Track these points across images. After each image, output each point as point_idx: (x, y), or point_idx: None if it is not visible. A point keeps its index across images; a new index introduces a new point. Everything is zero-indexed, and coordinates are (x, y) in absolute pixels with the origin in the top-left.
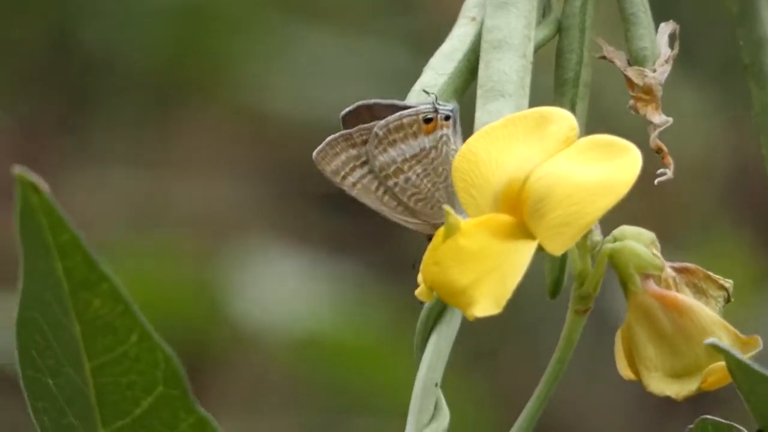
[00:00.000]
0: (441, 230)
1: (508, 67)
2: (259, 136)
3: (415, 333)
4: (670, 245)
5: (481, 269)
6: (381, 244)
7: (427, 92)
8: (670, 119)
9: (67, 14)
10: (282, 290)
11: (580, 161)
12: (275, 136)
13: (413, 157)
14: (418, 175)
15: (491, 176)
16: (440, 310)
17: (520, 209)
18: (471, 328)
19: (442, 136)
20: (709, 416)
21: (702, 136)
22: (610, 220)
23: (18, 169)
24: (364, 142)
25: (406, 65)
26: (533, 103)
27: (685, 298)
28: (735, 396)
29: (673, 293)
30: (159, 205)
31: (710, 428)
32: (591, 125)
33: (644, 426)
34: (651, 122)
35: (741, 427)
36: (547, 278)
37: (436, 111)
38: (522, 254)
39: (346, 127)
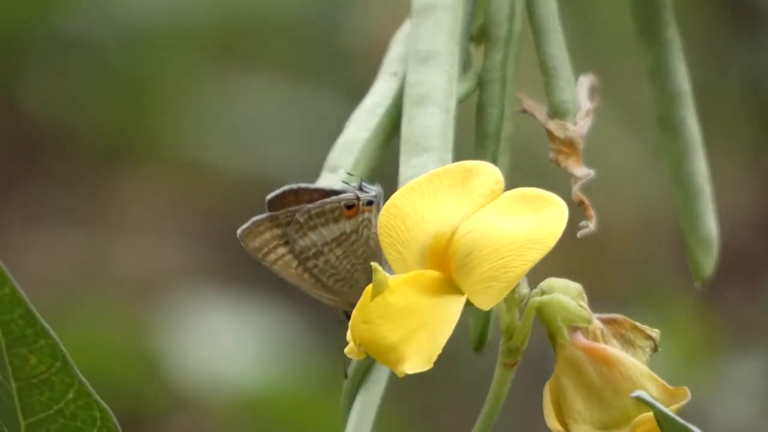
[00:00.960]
0: (369, 288)
1: (432, 121)
2: (199, 192)
3: (342, 392)
4: (614, 304)
5: (410, 326)
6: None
7: (351, 174)
8: (592, 171)
9: (9, 72)
10: (220, 347)
11: (506, 214)
12: (215, 191)
13: (333, 240)
14: (337, 257)
15: (417, 232)
16: (367, 366)
17: (447, 264)
18: (408, 386)
19: (363, 221)
20: None
21: (644, 190)
22: (548, 274)
23: None
24: (288, 224)
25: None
26: (456, 157)
27: (613, 350)
28: None
29: (601, 345)
30: (98, 264)
31: None
32: (518, 179)
33: None
34: (573, 175)
35: None
36: (472, 332)
37: (358, 198)
38: (451, 310)
39: (271, 209)
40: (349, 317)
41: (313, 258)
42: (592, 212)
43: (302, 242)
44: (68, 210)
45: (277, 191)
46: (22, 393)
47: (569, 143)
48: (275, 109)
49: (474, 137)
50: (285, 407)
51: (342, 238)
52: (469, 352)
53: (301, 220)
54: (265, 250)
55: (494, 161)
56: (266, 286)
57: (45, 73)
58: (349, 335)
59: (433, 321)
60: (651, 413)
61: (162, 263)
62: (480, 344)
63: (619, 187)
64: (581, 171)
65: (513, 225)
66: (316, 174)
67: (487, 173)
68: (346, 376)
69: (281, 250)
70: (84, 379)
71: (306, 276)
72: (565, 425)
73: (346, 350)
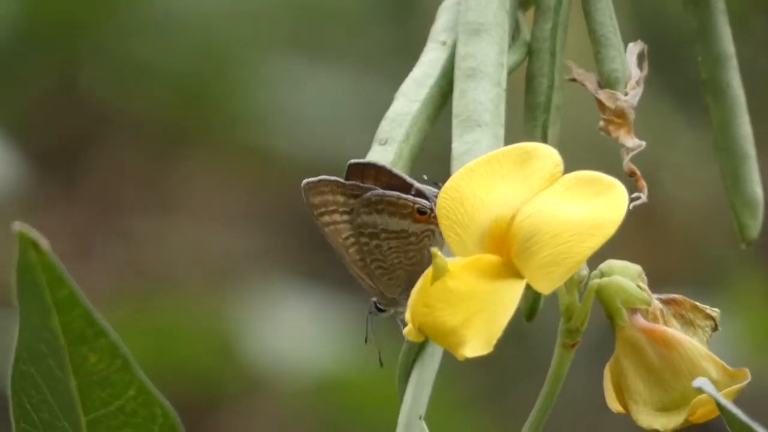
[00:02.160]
0: (429, 271)
1: (483, 96)
2: (266, 179)
3: (398, 365)
4: (678, 284)
5: (470, 310)
6: None
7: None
8: (643, 143)
9: (74, 59)
10: (293, 332)
11: (567, 199)
12: (282, 178)
13: (393, 232)
14: (389, 248)
15: (476, 214)
16: (422, 342)
17: (507, 248)
18: (469, 365)
19: (426, 230)
20: None
21: (709, 172)
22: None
23: (18, 226)
24: (354, 197)
25: None
26: (508, 131)
27: (673, 331)
28: (723, 427)
29: (660, 327)
30: (170, 251)
31: None
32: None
33: None
34: (623, 146)
35: None
36: (523, 304)
37: (431, 210)
38: (511, 293)
39: (348, 173)
40: (377, 307)
41: (367, 236)
42: (643, 183)
43: (365, 218)
44: (138, 198)
45: (362, 160)
46: (83, 390)
47: (620, 113)
48: (342, 96)
49: (524, 107)
50: (357, 390)
51: (402, 235)
52: (531, 331)
53: (373, 199)
54: (323, 209)
55: (544, 131)
56: (336, 272)
57: (109, 59)
58: (407, 317)
59: (493, 305)
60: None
61: (233, 249)
62: (531, 315)
63: (684, 168)
64: (632, 142)
65: (574, 210)
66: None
67: (547, 156)
68: (381, 365)
69: (337, 217)
70: (145, 377)
71: (352, 250)
72: (625, 406)
73: (405, 332)
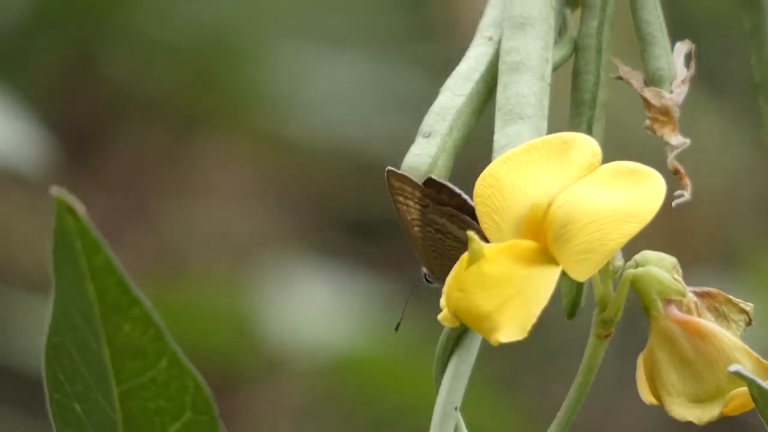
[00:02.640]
0: (465, 256)
1: (527, 89)
2: (282, 162)
3: (435, 357)
4: (698, 273)
5: (505, 295)
6: (406, 264)
7: None
8: (688, 140)
9: (91, 40)
10: (310, 313)
11: (604, 187)
12: (298, 161)
13: (458, 239)
14: (451, 247)
15: (514, 201)
16: (460, 333)
17: (543, 235)
18: (494, 350)
19: None
20: None
21: (729, 160)
22: (636, 245)
23: (55, 191)
24: (430, 197)
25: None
26: (550, 124)
27: (707, 323)
28: (757, 420)
29: (695, 318)
30: (189, 231)
31: None
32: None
33: None
34: (668, 143)
35: None
36: (564, 300)
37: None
38: (546, 280)
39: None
40: (428, 280)
41: (433, 230)
42: (687, 181)
43: (437, 218)
44: (158, 179)
45: (440, 180)
46: (116, 360)
47: (665, 111)
48: (357, 80)
49: (569, 104)
50: (376, 370)
51: (459, 240)
52: (554, 317)
53: (448, 212)
54: (400, 193)
55: (589, 128)
56: (354, 251)
57: (129, 42)
58: (443, 302)
59: (528, 290)
60: (745, 388)
61: (251, 230)
62: (572, 312)
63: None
64: (677, 140)
65: (610, 198)
66: (398, 144)
67: (585, 145)
68: (397, 329)
69: (411, 203)
70: (178, 349)
71: (416, 229)
72: (658, 397)
73: (439, 317)
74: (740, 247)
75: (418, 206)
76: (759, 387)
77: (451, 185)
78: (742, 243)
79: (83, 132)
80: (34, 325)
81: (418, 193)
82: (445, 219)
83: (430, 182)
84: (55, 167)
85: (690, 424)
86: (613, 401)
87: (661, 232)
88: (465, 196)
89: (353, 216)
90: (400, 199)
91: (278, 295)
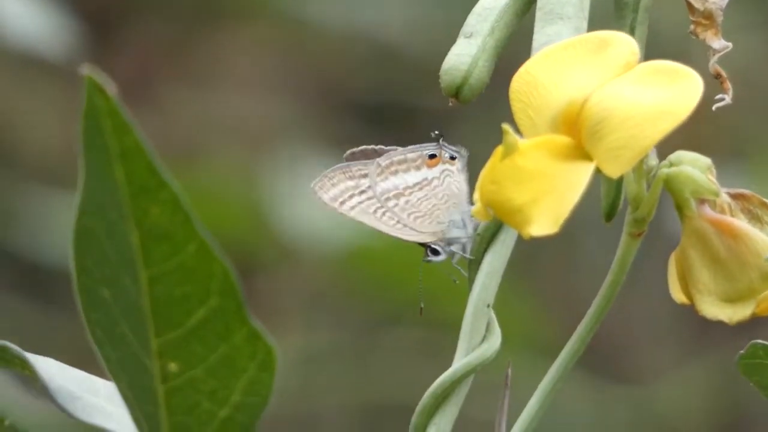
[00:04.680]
0: (499, 149)
1: None
2: (298, 48)
3: (469, 253)
4: (723, 168)
5: (538, 189)
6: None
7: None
8: (730, 44)
9: None
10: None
11: (641, 85)
12: (313, 47)
13: (416, 185)
14: (419, 199)
15: (550, 98)
16: (494, 230)
17: (578, 131)
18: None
19: (445, 170)
20: (759, 341)
21: (746, 54)
22: (663, 147)
23: (86, 69)
24: (363, 176)
25: None
26: (593, 27)
27: (741, 223)
28: None
29: (728, 218)
30: (207, 120)
31: (761, 353)
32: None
33: (688, 342)
34: (710, 47)
35: None
36: (604, 201)
37: (440, 149)
38: (579, 175)
39: (349, 160)
40: (432, 250)
41: (393, 198)
42: (728, 85)
43: (384, 185)
44: (171, 69)
45: (358, 148)
46: (144, 244)
47: (708, 15)
48: None
49: (613, 6)
50: (385, 258)
51: (423, 183)
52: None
53: (383, 164)
54: (341, 199)
55: (632, 31)
56: (370, 140)
57: None
58: (475, 196)
59: (562, 185)
60: None
61: (265, 120)
62: (611, 213)
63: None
64: (719, 44)
65: (646, 95)
66: (416, 31)
67: (623, 44)
68: (421, 313)
69: (356, 199)
70: (207, 233)
71: (385, 218)
72: (689, 297)
73: (473, 211)
74: (754, 141)
75: (363, 196)
76: None
77: (369, 146)
78: (756, 137)
79: (99, 21)
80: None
81: (350, 183)
82: (391, 177)
83: (350, 155)
84: (72, 55)
85: (706, 326)
86: (631, 297)
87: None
88: (380, 146)
89: (370, 103)
90: (346, 206)
91: (292, 184)
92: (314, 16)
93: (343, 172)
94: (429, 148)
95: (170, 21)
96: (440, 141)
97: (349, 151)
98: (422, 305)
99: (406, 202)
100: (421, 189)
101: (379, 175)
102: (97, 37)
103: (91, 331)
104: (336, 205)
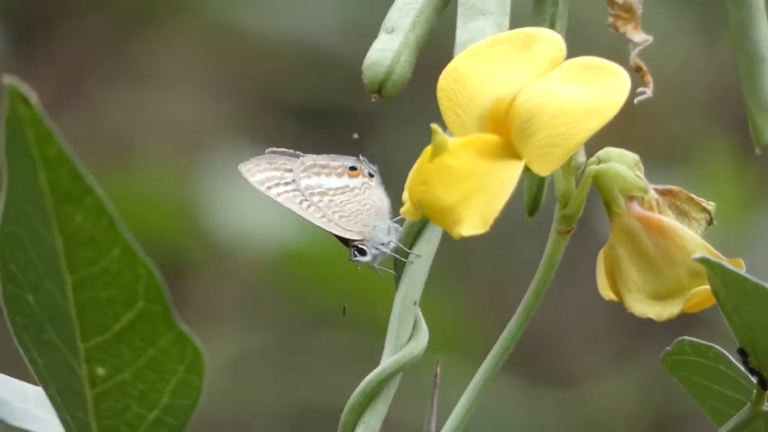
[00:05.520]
0: (428, 149)
1: None
2: (231, 51)
3: (395, 251)
4: (654, 168)
5: (468, 188)
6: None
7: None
8: (650, 38)
9: None
10: (255, 202)
11: (568, 82)
12: (247, 50)
13: (337, 189)
14: (342, 201)
15: (477, 96)
16: (420, 228)
17: (507, 129)
18: (444, 237)
19: (364, 183)
20: (687, 337)
21: (680, 55)
22: (591, 143)
23: (8, 79)
24: (287, 170)
25: None
26: (513, 21)
27: (669, 220)
28: (713, 316)
29: (656, 215)
30: (137, 120)
31: (688, 349)
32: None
33: (620, 344)
34: (631, 41)
35: (720, 348)
36: (526, 195)
37: (360, 162)
38: (509, 174)
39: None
40: (358, 248)
41: (318, 195)
42: (649, 78)
43: (307, 181)
44: (105, 68)
45: (280, 149)
46: (68, 250)
47: (628, 8)
48: None
49: (532, 0)
50: (319, 260)
51: (345, 189)
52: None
53: (307, 163)
54: (268, 184)
55: (552, 25)
56: (301, 141)
57: None
58: (405, 196)
59: (491, 184)
60: (706, 285)
61: (198, 119)
62: (533, 209)
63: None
64: (640, 37)
65: (574, 93)
66: (348, 34)
67: (549, 41)
68: (344, 313)
69: (282, 188)
70: (130, 237)
71: (311, 210)
72: (618, 294)
73: (402, 211)
74: (687, 141)
75: (290, 187)
76: (723, 270)
77: (289, 150)
78: (688, 137)
79: (29, 21)
80: None
81: (277, 173)
82: (314, 177)
83: (272, 152)
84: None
85: (641, 321)
86: (562, 298)
87: (607, 127)
88: (302, 154)
89: (301, 105)
90: (273, 191)
91: (223, 185)
92: (247, 20)
93: (269, 162)
94: (350, 161)
95: (104, 21)
96: (360, 157)
97: (269, 149)
98: (346, 305)
99: (330, 201)
100: (343, 193)
101: (302, 171)
102: (30, 36)
103: (18, 337)
104: (263, 188)
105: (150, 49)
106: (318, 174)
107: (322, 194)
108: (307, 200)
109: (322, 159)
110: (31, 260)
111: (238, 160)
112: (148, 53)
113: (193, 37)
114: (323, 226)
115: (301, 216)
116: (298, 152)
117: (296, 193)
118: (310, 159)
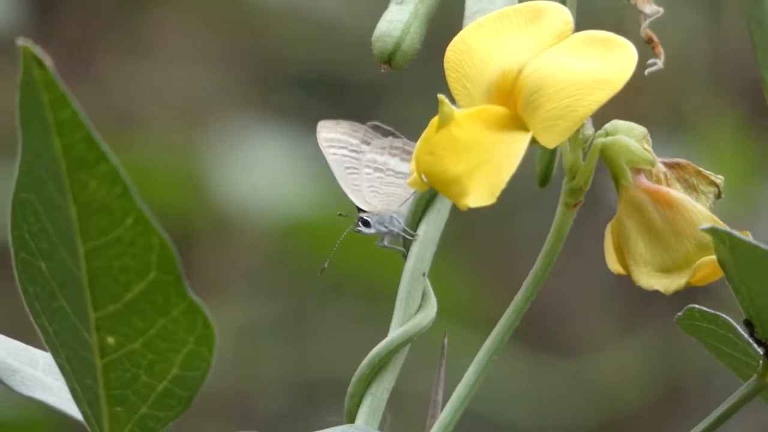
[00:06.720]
0: (435, 120)
1: None
2: (238, 22)
3: (404, 222)
4: (657, 139)
5: (474, 159)
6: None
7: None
8: (661, 9)
9: None
10: (261, 173)
11: (575, 55)
12: (254, 21)
13: (399, 173)
14: (389, 183)
15: (485, 68)
16: (429, 199)
17: (514, 101)
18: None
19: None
20: (696, 305)
21: (684, 27)
22: (598, 115)
23: (22, 41)
24: (365, 142)
25: None
26: None
27: (676, 193)
28: (720, 289)
29: (664, 188)
30: (142, 92)
31: (698, 316)
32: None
33: (626, 313)
34: (642, 12)
35: (727, 317)
36: (538, 166)
37: None
38: (516, 145)
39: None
40: (363, 221)
41: (372, 169)
42: (660, 49)
43: (377, 157)
44: (111, 41)
45: (383, 126)
46: (82, 217)
47: None
48: None
49: None
50: (327, 232)
51: (400, 175)
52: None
53: (394, 144)
54: (333, 144)
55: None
56: (306, 112)
57: None
58: (412, 166)
59: (498, 156)
60: (713, 256)
61: (203, 90)
62: (545, 180)
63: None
64: (651, 8)
65: (581, 65)
66: (353, 4)
67: (557, 14)
68: (321, 273)
69: (345, 152)
70: (144, 206)
71: (352, 177)
72: (625, 267)
73: (408, 181)
74: (691, 112)
75: (353, 154)
76: (732, 239)
77: (393, 130)
78: (692, 109)
79: None
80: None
81: (353, 140)
82: (387, 156)
83: (373, 125)
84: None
85: (647, 292)
86: (569, 268)
87: (614, 99)
88: (402, 137)
89: (308, 76)
90: (332, 151)
91: (229, 156)
92: None
93: (353, 129)
94: None
95: None
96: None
97: (371, 123)
98: (326, 266)
99: (378, 177)
100: (397, 177)
101: (381, 147)
102: (39, 8)
103: (29, 304)
104: (324, 145)
105: (157, 22)
106: (394, 155)
107: (377, 170)
108: (357, 168)
109: (411, 144)
110: (45, 227)
111: (244, 131)
112: (155, 26)
113: (200, 9)
114: (348, 192)
115: (335, 176)
116: (396, 132)
117: (349, 159)
118: (398, 141)
